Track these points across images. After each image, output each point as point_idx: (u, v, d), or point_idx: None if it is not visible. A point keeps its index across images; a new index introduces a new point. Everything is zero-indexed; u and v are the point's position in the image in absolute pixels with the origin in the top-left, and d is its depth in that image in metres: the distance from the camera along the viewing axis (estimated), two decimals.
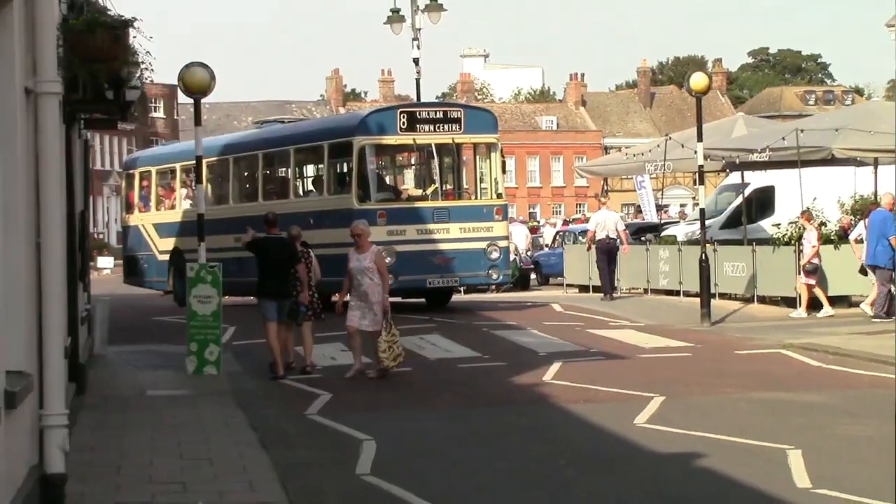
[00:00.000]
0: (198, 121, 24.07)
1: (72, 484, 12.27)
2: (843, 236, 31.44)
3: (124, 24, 15.25)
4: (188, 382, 21.08)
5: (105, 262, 69.31)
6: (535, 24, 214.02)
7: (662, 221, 49.29)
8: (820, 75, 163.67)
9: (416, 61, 41.45)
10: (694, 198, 39.14)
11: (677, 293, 34.60)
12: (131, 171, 42.24)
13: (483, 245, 31.52)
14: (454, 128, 31.58)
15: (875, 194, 33.04)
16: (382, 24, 42.12)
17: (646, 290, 36.49)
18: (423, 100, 43.81)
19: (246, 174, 36.69)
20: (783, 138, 34.24)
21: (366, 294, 21.47)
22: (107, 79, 15.76)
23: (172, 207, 38.81)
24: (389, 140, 31.78)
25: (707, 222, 31.35)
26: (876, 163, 33.74)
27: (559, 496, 13.24)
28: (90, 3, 16.51)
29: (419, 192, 32.74)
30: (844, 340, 24.44)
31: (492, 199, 32.53)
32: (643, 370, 22.05)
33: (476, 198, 32.75)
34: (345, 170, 32.16)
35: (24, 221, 11.12)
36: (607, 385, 20.29)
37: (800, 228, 31.02)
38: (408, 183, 34.71)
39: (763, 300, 31.43)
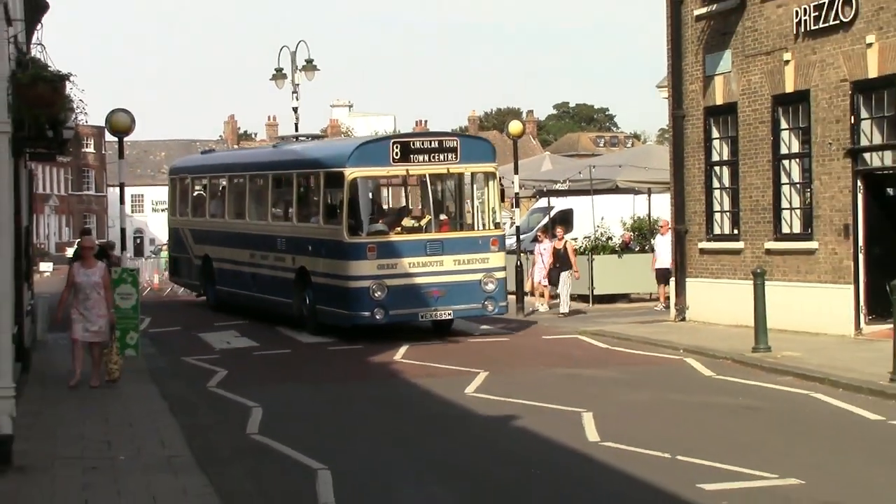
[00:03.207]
0: (121, 155, 23.94)
1: (17, 443, 12.12)
2: (624, 248, 31.91)
3: (62, 78, 15.02)
4: None
5: (45, 266, 68.35)
6: (388, 81, 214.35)
7: None
8: (608, 124, 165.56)
9: (294, 110, 41.27)
10: (511, 218, 39.51)
11: None
12: (174, 178, 35.29)
13: (478, 277, 24.16)
14: (450, 157, 24.39)
15: (649, 217, 33.63)
16: (269, 80, 41.96)
17: None
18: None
19: (259, 193, 29.17)
20: (580, 172, 34.86)
21: (92, 307, 17.84)
22: (47, 121, 15.52)
23: (203, 215, 32.27)
24: (381, 171, 24.67)
25: (521, 237, 31.57)
26: (650, 192, 34.37)
27: (405, 449, 13.29)
28: (34, 60, 16.28)
29: (412, 223, 24.99)
30: (626, 328, 24.76)
31: (488, 229, 24.99)
32: (473, 351, 22.12)
33: (472, 228, 25.49)
34: (336, 200, 24.71)
35: None
36: (444, 363, 20.35)
37: (587, 240, 31.70)
38: (400, 215, 26.21)
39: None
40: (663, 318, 26.46)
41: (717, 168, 25.60)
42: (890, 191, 21.32)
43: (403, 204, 28.05)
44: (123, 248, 24.62)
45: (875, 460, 11.94)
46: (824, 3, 22.01)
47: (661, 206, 31.14)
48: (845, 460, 11.96)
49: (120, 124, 23.02)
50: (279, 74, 41.54)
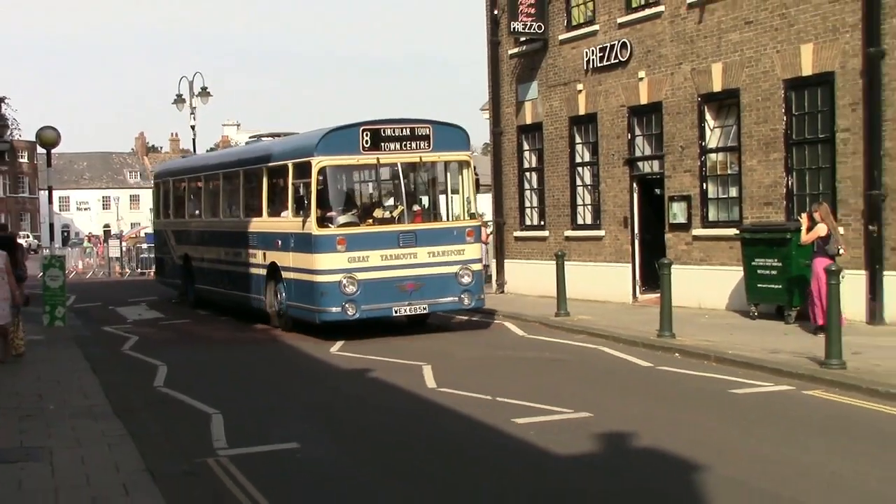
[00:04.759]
0: (49, 164, 23.28)
1: None
2: None
3: None
4: (44, 331, 20.19)
5: None
6: (268, 105, 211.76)
7: None
8: None
9: (192, 128, 40.60)
10: None
11: None
12: (157, 181, 29.85)
13: (454, 269, 19.15)
14: (422, 145, 19.23)
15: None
16: (171, 104, 41.30)
17: None
18: (197, 153, 41.31)
19: (232, 190, 23.72)
20: None
21: None
22: None
23: (183, 216, 27.08)
24: (351, 160, 19.00)
25: None
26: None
27: (282, 397, 13.25)
28: None
29: (384, 214, 19.69)
30: None
31: (463, 220, 19.79)
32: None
33: (446, 219, 20.24)
34: (305, 192, 19.31)
35: None
36: (316, 332, 20.26)
37: None
38: (372, 205, 20.64)
39: None
40: (487, 292, 26.64)
41: (527, 173, 25.99)
42: (657, 191, 21.91)
43: (375, 194, 22.12)
44: (52, 239, 23.86)
45: (648, 397, 12.31)
46: (607, 46, 22.51)
47: (485, 204, 31.45)
48: (625, 398, 12.30)
49: (48, 139, 22.41)
50: (179, 99, 40.88)
